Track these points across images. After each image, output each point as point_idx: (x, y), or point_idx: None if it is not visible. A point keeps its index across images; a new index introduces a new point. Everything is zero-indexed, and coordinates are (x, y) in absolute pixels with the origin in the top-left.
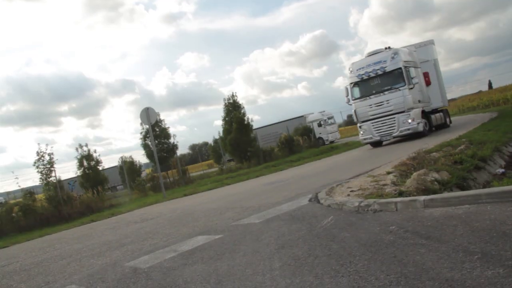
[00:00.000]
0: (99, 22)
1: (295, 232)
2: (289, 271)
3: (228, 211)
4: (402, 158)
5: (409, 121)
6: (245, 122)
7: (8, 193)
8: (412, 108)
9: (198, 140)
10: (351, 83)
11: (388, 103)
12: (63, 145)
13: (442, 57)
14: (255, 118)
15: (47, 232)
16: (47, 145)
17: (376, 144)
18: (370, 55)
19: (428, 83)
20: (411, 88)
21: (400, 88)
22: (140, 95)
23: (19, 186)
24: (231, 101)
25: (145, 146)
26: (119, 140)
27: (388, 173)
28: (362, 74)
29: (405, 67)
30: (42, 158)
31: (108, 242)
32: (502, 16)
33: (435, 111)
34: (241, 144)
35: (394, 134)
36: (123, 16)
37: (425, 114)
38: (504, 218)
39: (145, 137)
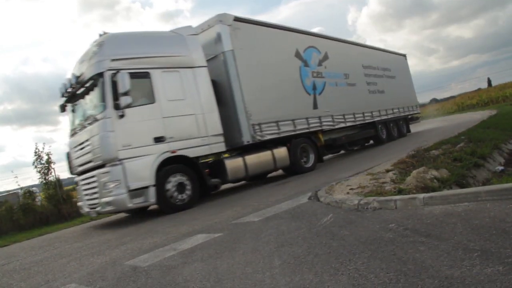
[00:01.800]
0: (96, 21)
1: (294, 230)
2: (288, 269)
3: (228, 210)
4: (402, 157)
5: (111, 185)
6: None
7: (8, 191)
8: (115, 160)
9: None
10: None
11: (88, 145)
12: (62, 144)
13: (441, 54)
14: None
15: (46, 231)
16: (44, 144)
17: (130, 211)
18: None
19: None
20: (122, 116)
21: (98, 117)
22: None
23: (19, 185)
24: None
25: None
26: None
27: (388, 171)
28: (62, 89)
29: (116, 72)
30: (40, 157)
31: (108, 241)
32: (501, 14)
33: (250, 148)
34: None
35: (98, 209)
36: (119, 14)
37: (196, 163)
38: (503, 215)
39: None
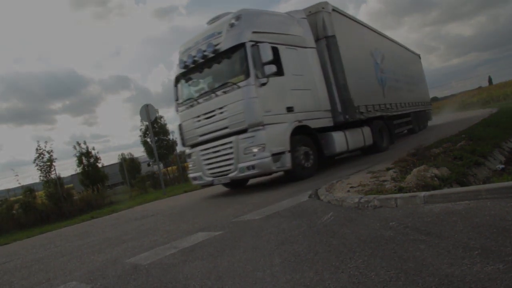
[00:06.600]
0: (88, 18)
1: (295, 228)
2: (289, 267)
3: (228, 208)
4: (402, 155)
5: (254, 149)
6: None
7: (8, 190)
8: (260, 125)
9: None
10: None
11: (222, 112)
12: (60, 142)
13: (441, 52)
14: None
15: (47, 229)
16: (46, 142)
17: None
18: None
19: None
20: (264, 84)
21: (240, 84)
22: (135, 92)
23: (19, 184)
24: None
25: (145, 143)
26: (116, 138)
27: (388, 169)
28: (188, 59)
29: (255, 43)
30: (42, 155)
31: (108, 239)
32: (502, 11)
33: (341, 126)
34: None
35: (232, 175)
36: (112, 12)
37: (316, 134)
38: (504, 214)
39: (144, 134)
